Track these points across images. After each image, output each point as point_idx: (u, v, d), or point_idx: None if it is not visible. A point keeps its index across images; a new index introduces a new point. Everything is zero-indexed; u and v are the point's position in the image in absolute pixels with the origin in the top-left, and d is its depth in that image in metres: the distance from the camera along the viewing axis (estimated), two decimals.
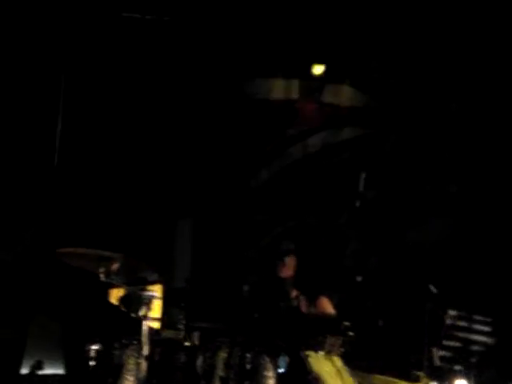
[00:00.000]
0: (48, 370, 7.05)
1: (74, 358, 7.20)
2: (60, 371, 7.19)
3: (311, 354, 5.25)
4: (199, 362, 5.64)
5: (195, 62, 7.91)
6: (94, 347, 5.57)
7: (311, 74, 8.42)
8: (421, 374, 5.43)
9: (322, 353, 5.42)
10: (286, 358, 5.63)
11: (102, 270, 5.45)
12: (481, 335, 5.52)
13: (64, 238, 7.01)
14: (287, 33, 7.94)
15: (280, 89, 8.55)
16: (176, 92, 7.92)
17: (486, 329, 5.55)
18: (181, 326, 5.89)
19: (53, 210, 7.30)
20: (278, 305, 6.31)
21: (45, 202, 7.33)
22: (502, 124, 7.70)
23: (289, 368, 5.60)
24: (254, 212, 8.46)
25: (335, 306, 6.28)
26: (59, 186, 7.37)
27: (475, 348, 5.60)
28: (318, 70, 8.40)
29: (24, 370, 6.94)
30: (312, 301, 6.24)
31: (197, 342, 5.77)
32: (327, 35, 7.99)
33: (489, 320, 5.50)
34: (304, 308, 6.25)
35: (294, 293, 6.39)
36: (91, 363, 5.55)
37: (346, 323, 5.90)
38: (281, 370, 5.58)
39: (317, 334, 5.66)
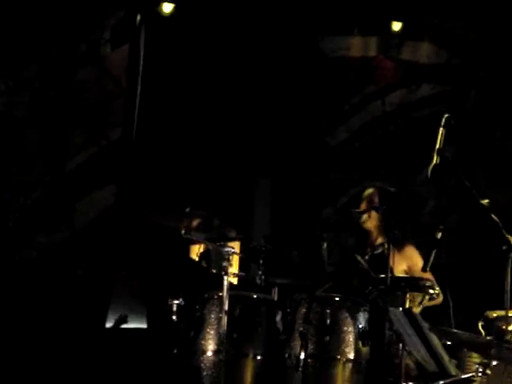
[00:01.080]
0: (131, 324, 7.21)
1: (156, 313, 7.35)
2: (143, 325, 7.35)
3: (390, 310, 5.24)
4: (278, 317, 5.70)
5: (271, 19, 7.89)
6: (176, 302, 5.67)
7: (389, 31, 8.32)
8: (503, 329, 5.40)
9: (401, 308, 5.41)
10: (366, 314, 5.64)
11: (183, 226, 5.54)
12: None
13: (147, 195, 7.13)
14: None
15: (358, 46, 8.48)
16: (253, 51, 7.93)
17: None
18: (260, 282, 5.95)
19: (136, 167, 7.42)
20: (362, 254, 6.26)
21: (128, 161, 7.45)
22: None
23: (369, 323, 5.61)
24: (332, 171, 8.45)
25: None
26: (142, 145, 7.48)
27: None
28: (396, 26, 8.29)
29: (108, 324, 7.11)
30: (399, 250, 6.18)
31: (276, 298, 5.82)
32: None
33: None
34: (390, 255, 6.19)
35: (380, 240, 6.37)
36: (173, 318, 5.65)
37: (429, 279, 5.86)
38: (361, 326, 5.61)
39: (397, 289, 5.65)
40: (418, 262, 6.21)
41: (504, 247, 5.42)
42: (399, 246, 6.21)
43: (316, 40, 8.25)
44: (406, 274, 6.28)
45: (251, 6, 7.85)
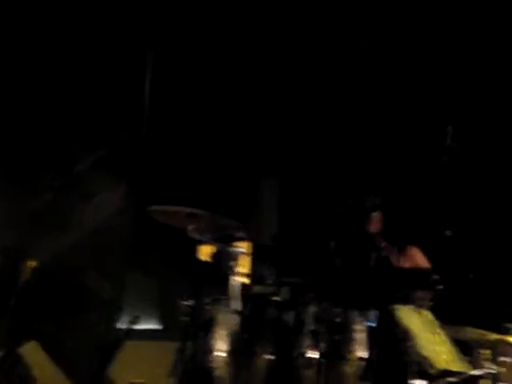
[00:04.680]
0: (143, 325, 7.23)
1: (167, 314, 7.37)
2: (154, 326, 7.38)
3: (400, 307, 5.24)
4: (289, 316, 5.70)
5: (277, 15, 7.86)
6: (187, 303, 5.68)
7: None
8: (511, 325, 5.39)
9: (411, 306, 5.41)
10: (377, 312, 5.64)
11: (191, 227, 5.55)
12: None
13: (154, 196, 7.14)
14: None
15: None
16: (258, 50, 7.91)
17: None
18: (270, 282, 5.96)
19: (143, 169, 7.42)
20: (367, 256, 6.31)
21: (136, 162, 7.46)
22: None
23: (379, 322, 5.61)
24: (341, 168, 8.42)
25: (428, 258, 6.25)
26: (149, 146, 7.49)
27: None
28: None
29: (121, 325, 7.13)
30: (402, 252, 6.22)
31: (286, 297, 5.83)
32: None
33: None
34: (394, 258, 6.23)
35: (384, 243, 6.38)
36: (184, 318, 5.66)
37: (436, 277, 5.86)
38: (371, 324, 5.60)
39: (404, 286, 5.66)
40: (422, 262, 6.24)
41: None
42: (402, 248, 6.24)
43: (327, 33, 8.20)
44: None
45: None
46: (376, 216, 6.44)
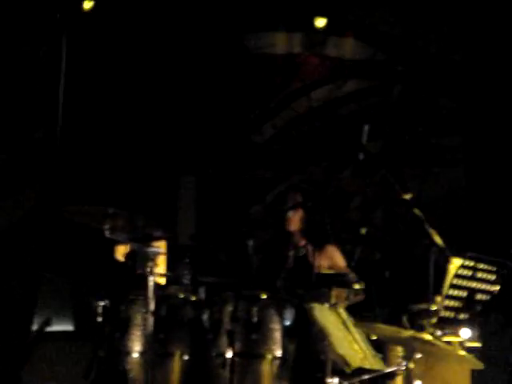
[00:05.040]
0: (57, 327, 7.13)
1: (81, 315, 7.28)
2: (69, 328, 7.28)
3: (316, 305, 5.27)
4: (205, 316, 5.69)
5: (196, 15, 7.85)
6: (101, 303, 5.61)
7: (314, 27, 8.35)
8: (425, 323, 5.47)
9: (327, 305, 5.44)
10: (293, 311, 5.66)
11: (107, 226, 5.48)
12: (485, 283, 5.56)
13: (69, 196, 7.04)
14: None
15: (283, 43, 8.49)
16: (178, 47, 7.88)
17: (490, 277, 5.58)
18: (186, 281, 5.93)
19: (57, 168, 7.32)
20: (285, 255, 6.33)
21: (49, 161, 7.34)
22: (505, 75, 7.63)
23: (295, 320, 5.63)
24: (259, 167, 8.45)
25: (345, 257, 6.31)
26: (63, 145, 7.38)
27: (480, 297, 5.64)
28: (320, 22, 8.33)
29: (34, 327, 7.01)
30: (320, 250, 6.26)
31: (203, 297, 5.81)
32: None
33: (493, 268, 5.53)
34: (312, 257, 6.26)
35: (303, 242, 6.41)
36: (98, 319, 5.59)
37: (352, 275, 5.92)
38: (287, 323, 5.62)
39: (322, 285, 5.69)
40: (339, 261, 6.31)
41: (426, 241, 5.50)
42: (320, 247, 6.28)
43: (241, 36, 8.24)
44: None
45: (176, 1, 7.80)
46: (295, 214, 6.46)
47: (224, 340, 5.50)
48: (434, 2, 8.01)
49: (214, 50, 8.02)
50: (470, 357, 4.94)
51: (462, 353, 4.93)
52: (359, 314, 5.55)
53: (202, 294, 5.81)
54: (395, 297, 6.67)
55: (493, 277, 5.47)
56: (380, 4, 8.22)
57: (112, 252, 6.25)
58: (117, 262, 6.11)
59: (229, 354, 5.43)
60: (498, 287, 5.46)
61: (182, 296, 5.75)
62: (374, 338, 5.28)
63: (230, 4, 7.91)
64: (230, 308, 5.60)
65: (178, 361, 5.58)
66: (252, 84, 8.37)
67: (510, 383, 4.85)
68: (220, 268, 6.38)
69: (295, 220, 6.44)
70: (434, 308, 5.46)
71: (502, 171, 7.52)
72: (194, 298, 5.78)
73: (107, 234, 5.47)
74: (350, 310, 5.45)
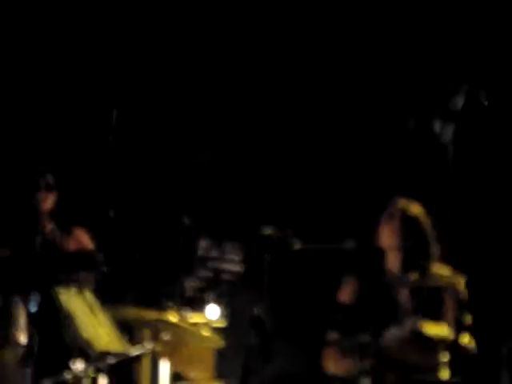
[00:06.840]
0: None
1: None
2: None
3: (62, 290, 5.17)
4: None
5: None
6: None
7: None
8: (171, 303, 5.54)
9: (73, 289, 5.36)
10: (38, 296, 5.54)
11: None
12: (231, 264, 5.71)
13: None
14: None
15: None
16: None
17: (236, 258, 5.74)
18: None
19: None
20: (32, 240, 6.14)
21: None
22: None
23: (40, 307, 5.52)
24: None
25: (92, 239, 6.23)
26: None
27: (226, 277, 5.79)
28: None
29: None
30: (68, 233, 6.14)
31: None
32: None
33: (238, 249, 5.69)
34: (59, 241, 6.12)
35: (50, 226, 6.24)
36: None
37: (100, 257, 5.88)
38: (32, 310, 5.50)
39: (69, 269, 5.61)
40: (86, 244, 6.22)
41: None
42: (68, 230, 6.17)
43: None
44: None
45: None
46: (47, 195, 6.26)
47: None
48: None
49: None
50: (214, 336, 5.06)
51: (206, 333, 5.05)
52: (110, 296, 5.52)
53: None
54: (146, 279, 6.70)
55: (237, 257, 5.64)
56: None
57: None
58: None
59: None
60: (243, 268, 5.64)
61: None
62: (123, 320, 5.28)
63: None
64: None
65: None
66: None
67: (245, 363, 5.02)
68: None
69: (46, 201, 6.27)
70: (181, 289, 5.54)
71: None
72: None
73: None
74: (101, 292, 5.41)
